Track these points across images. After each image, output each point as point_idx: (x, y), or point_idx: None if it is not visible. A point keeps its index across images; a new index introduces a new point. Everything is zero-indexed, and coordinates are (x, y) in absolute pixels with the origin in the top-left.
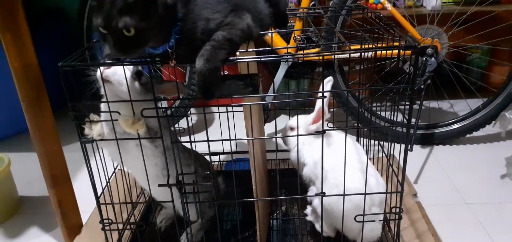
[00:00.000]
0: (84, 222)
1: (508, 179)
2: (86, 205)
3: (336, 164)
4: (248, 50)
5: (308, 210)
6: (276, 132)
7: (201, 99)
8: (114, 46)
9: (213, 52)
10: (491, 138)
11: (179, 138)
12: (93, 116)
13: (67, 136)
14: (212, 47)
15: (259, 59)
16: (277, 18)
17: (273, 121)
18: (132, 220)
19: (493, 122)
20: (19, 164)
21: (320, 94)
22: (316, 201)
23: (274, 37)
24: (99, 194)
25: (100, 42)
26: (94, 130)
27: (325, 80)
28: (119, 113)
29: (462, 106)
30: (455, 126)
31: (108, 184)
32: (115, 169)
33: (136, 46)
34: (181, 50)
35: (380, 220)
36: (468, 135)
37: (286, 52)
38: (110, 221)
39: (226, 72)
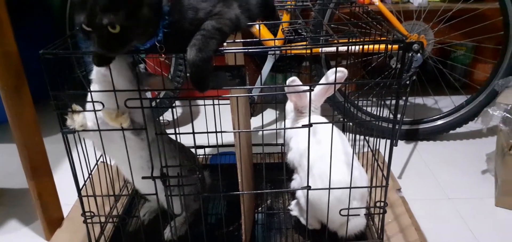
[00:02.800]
0: (65, 215)
1: (489, 174)
2: (67, 197)
3: (322, 155)
4: (236, 41)
5: (293, 205)
6: (262, 126)
7: (189, 90)
8: (98, 44)
9: (204, 41)
10: (473, 134)
11: (164, 130)
12: (76, 106)
13: (49, 127)
14: (203, 36)
15: (246, 50)
16: (265, 9)
17: (259, 115)
18: (114, 213)
19: (476, 118)
20: None
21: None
22: (300, 192)
23: (261, 29)
24: (81, 186)
25: (83, 39)
26: (76, 120)
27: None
28: (103, 105)
29: (446, 103)
30: (439, 122)
31: (90, 176)
32: (97, 161)
33: (121, 44)
34: (170, 42)
35: (364, 214)
36: (451, 131)
37: (274, 44)
38: (92, 214)
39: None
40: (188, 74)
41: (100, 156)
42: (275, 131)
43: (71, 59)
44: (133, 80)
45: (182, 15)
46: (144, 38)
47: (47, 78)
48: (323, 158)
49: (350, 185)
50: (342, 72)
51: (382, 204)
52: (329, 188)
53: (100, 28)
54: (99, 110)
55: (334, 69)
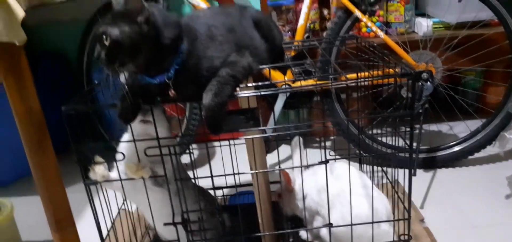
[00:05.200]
0: None
1: None
2: None
3: (341, 191)
4: (248, 85)
5: None
6: (279, 164)
7: (204, 134)
8: (100, 52)
9: (220, 87)
10: (492, 158)
11: (188, 175)
12: (98, 158)
13: (69, 177)
14: (219, 82)
15: (259, 93)
16: (274, 52)
17: (274, 152)
18: None
19: (493, 142)
20: (22, 208)
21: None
22: (324, 231)
23: (271, 71)
24: (104, 237)
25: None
26: (98, 173)
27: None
28: (124, 155)
29: (461, 128)
30: (456, 148)
31: (113, 225)
32: (119, 209)
33: (110, 59)
34: (180, 82)
35: None
36: (470, 157)
37: (284, 84)
38: None
39: None
40: (203, 117)
41: (122, 204)
42: (292, 168)
43: (91, 113)
44: (168, 127)
45: (199, 61)
46: (143, 68)
47: (69, 132)
48: (343, 195)
49: (372, 220)
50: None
51: (406, 237)
52: (351, 225)
53: (98, 37)
54: (121, 160)
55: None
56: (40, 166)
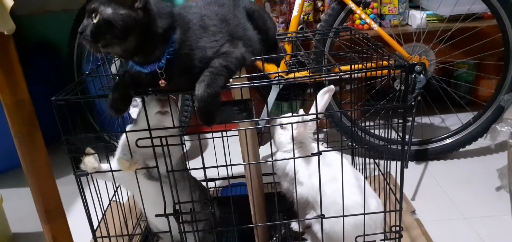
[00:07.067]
0: None
1: (503, 191)
2: (81, 239)
3: (333, 178)
4: (241, 76)
5: (307, 234)
6: (272, 155)
7: (198, 126)
8: (84, 28)
9: (212, 78)
10: (484, 151)
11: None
12: (89, 150)
13: (60, 168)
14: (211, 73)
15: (252, 84)
16: (267, 44)
17: (267, 144)
18: None
19: (485, 135)
20: (12, 199)
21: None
22: (317, 226)
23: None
24: (95, 228)
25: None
26: (88, 164)
27: (322, 91)
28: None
29: (453, 120)
30: (448, 140)
31: (104, 216)
32: (110, 200)
33: (95, 37)
34: (172, 72)
35: (381, 240)
36: (461, 149)
37: (277, 75)
38: None
39: None
40: (196, 108)
41: (113, 195)
42: (285, 160)
43: (82, 104)
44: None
45: (192, 51)
46: (127, 52)
47: (60, 123)
48: (335, 183)
49: (364, 211)
50: (330, 91)
51: (397, 228)
52: (343, 216)
53: (88, 12)
54: (111, 152)
55: (322, 90)
56: (30, 158)
